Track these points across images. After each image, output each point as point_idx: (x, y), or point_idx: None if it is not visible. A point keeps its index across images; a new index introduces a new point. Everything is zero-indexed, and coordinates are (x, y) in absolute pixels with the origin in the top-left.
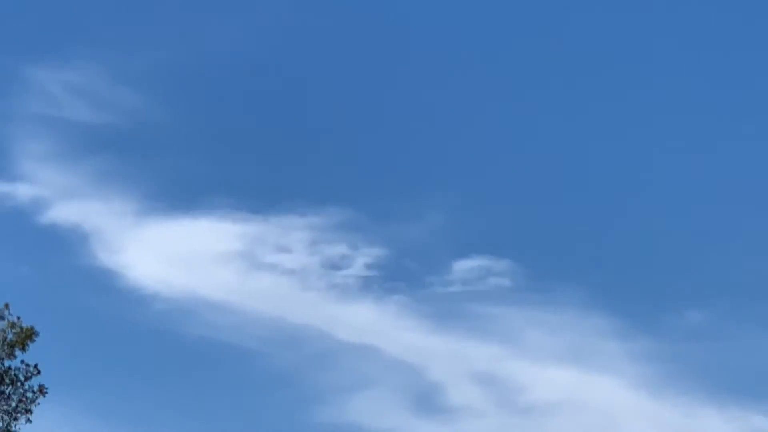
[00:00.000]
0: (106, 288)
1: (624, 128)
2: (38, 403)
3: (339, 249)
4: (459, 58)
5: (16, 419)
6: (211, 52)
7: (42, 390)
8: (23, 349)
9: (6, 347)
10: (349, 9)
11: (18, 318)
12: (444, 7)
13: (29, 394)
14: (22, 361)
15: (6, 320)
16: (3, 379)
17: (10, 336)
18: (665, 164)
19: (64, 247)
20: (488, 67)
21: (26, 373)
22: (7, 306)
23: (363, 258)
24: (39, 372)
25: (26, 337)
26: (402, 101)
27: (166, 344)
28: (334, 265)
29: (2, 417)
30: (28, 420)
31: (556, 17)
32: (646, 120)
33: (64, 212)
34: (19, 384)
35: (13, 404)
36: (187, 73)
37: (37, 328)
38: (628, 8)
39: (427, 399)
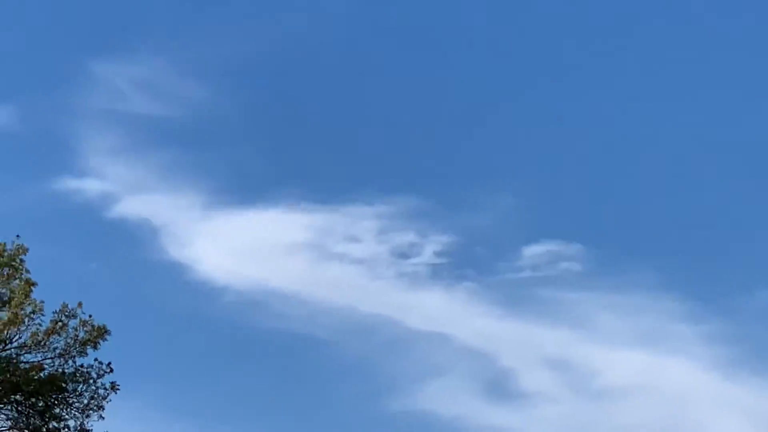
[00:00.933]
0: (175, 282)
1: (688, 111)
2: (110, 400)
3: (408, 237)
4: (524, 40)
5: (88, 416)
6: (275, 43)
7: (114, 387)
8: (95, 347)
9: (78, 345)
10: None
11: (90, 316)
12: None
13: (101, 392)
14: (96, 359)
15: (78, 318)
16: (75, 377)
17: (81, 334)
18: (729, 145)
19: (133, 241)
20: (554, 49)
21: (99, 371)
22: (80, 305)
23: (432, 245)
24: (112, 370)
25: (98, 335)
26: (469, 86)
27: (236, 336)
28: (403, 254)
29: (75, 414)
30: (101, 417)
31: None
32: (713, 103)
33: (133, 207)
34: (91, 381)
35: (85, 401)
36: (252, 65)
37: (107, 324)
38: None
39: (498, 385)
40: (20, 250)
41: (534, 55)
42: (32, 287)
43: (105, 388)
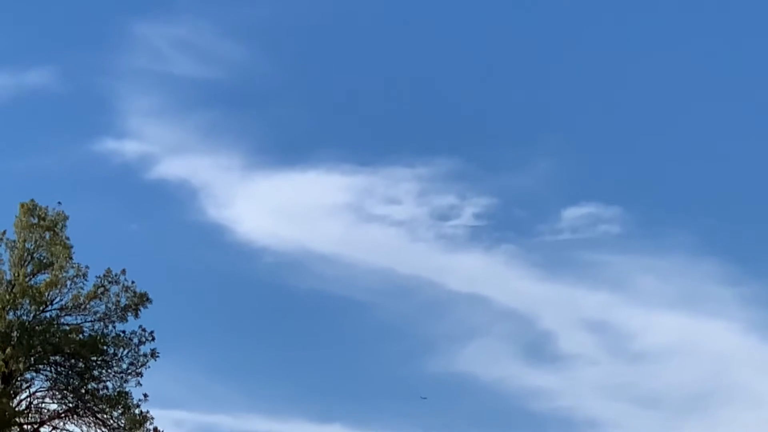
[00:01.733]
0: (215, 243)
1: (731, 78)
2: (149, 367)
3: (447, 199)
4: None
5: (126, 381)
6: (315, 5)
7: (154, 354)
8: (136, 314)
9: (119, 311)
10: None
11: (132, 282)
12: None
13: (141, 358)
14: (140, 326)
15: (121, 284)
16: (117, 341)
17: (123, 300)
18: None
19: (173, 202)
20: (601, 12)
21: (141, 338)
22: (123, 271)
23: (471, 208)
24: (153, 338)
25: (139, 302)
26: (510, 50)
27: (276, 297)
28: (442, 216)
29: (113, 377)
30: (138, 383)
31: None
32: (754, 66)
33: (172, 168)
34: (132, 347)
35: (125, 366)
36: (293, 27)
37: (147, 284)
38: None
39: (537, 347)
40: (60, 217)
41: (577, 17)
42: (71, 252)
43: (145, 355)
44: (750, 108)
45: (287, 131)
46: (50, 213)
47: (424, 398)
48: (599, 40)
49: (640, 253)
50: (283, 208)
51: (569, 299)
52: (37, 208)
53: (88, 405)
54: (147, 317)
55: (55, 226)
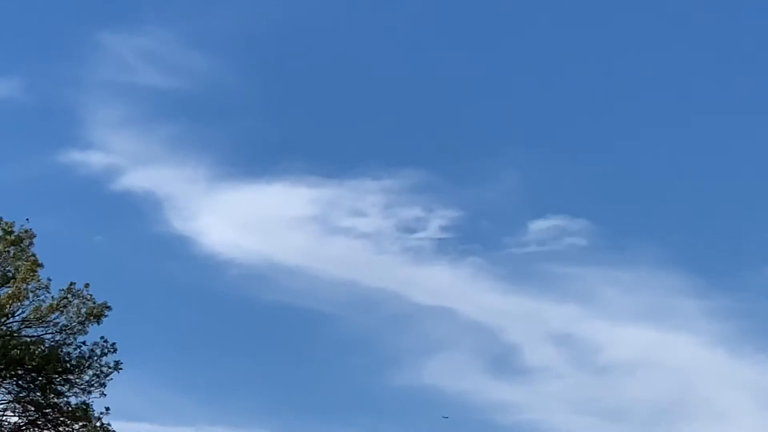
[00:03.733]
0: (180, 255)
1: (702, 84)
2: (111, 378)
3: (413, 212)
4: (533, 15)
5: (89, 393)
6: (281, 14)
7: (117, 366)
8: (98, 323)
9: (79, 322)
10: None
11: (90, 295)
12: None
13: (104, 370)
14: (102, 337)
15: (80, 297)
16: (79, 354)
17: (83, 311)
18: (741, 122)
19: (138, 214)
20: (564, 26)
21: (103, 349)
22: (87, 285)
23: (438, 220)
24: (116, 350)
25: (99, 312)
26: (476, 62)
27: (241, 310)
28: (408, 228)
29: (76, 391)
30: (102, 394)
31: None
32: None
33: (138, 179)
34: (95, 359)
35: (87, 378)
36: (258, 38)
37: (111, 296)
38: None
39: (503, 360)
40: (28, 234)
41: (541, 31)
42: (38, 267)
43: (108, 367)
44: (716, 122)
45: (253, 143)
46: (17, 230)
47: (446, 417)
48: (565, 52)
49: (606, 265)
50: (248, 221)
51: (535, 312)
52: (2, 222)
53: (50, 418)
54: (110, 329)
55: (21, 242)
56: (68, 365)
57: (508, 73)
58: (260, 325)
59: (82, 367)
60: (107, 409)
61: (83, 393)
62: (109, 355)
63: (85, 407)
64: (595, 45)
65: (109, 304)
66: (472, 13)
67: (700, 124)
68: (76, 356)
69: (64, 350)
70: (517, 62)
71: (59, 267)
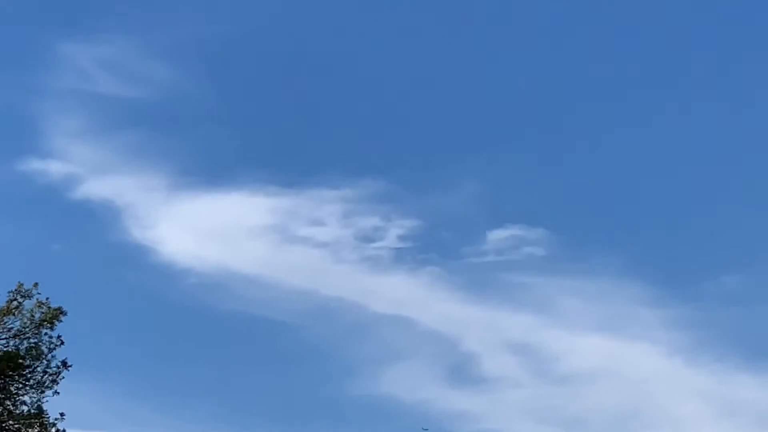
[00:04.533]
0: (138, 263)
1: (659, 95)
2: (63, 377)
3: (372, 221)
4: (491, 23)
5: (42, 392)
6: (240, 24)
7: (65, 364)
8: (51, 328)
9: (34, 326)
10: None
11: (47, 298)
12: None
13: (53, 367)
14: (45, 333)
15: (34, 299)
16: (30, 353)
17: (38, 315)
18: (698, 129)
19: (97, 223)
20: (519, 35)
21: (50, 345)
22: (35, 285)
23: (396, 229)
24: (62, 342)
25: (54, 316)
26: (434, 70)
27: (199, 318)
28: (367, 237)
29: (29, 391)
30: (56, 392)
31: None
32: (682, 86)
33: (97, 188)
34: (43, 357)
35: (39, 377)
36: (217, 46)
37: (69, 305)
38: None
39: (461, 369)
40: None
41: (500, 40)
42: None
43: (57, 365)
44: (673, 132)
45: (212, 152)
46: None
47: (426, 430)
48: (524, 63)
49: (564, 275)
50: (207, 230)
51: (493, 321)
52: None
53: (4, 425)
54: (68, 337)
55: None
56: (22, 365)
57: (466, 83)
58: (218, 333)
59: (33, 367)
60: (62, 415)
61: (37, 393)
62: (57, 349)
63: (39, 412)
64: (553, 56)
65: (64, 309)
66: (432, 22)
67: (658, 134)
68: (29, 354)
69: (18, 351)
70: (476, 72)
71: (17, 275)
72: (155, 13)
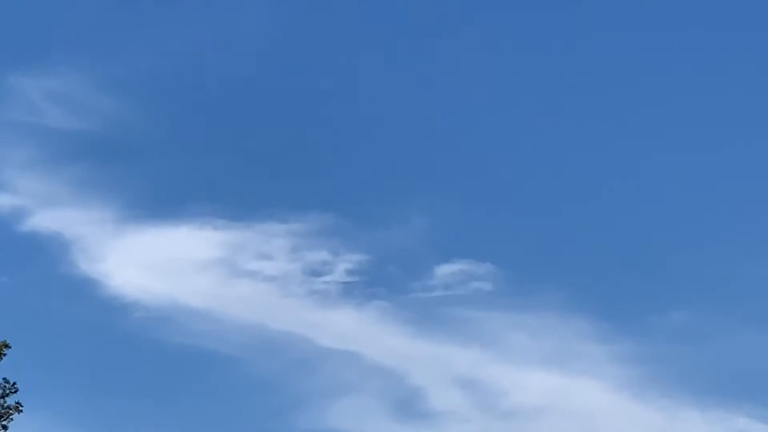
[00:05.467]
0: (86, 296)
1: (605, 132)
2: (12, 419)
3: (320, 255)
4: (442, 63)
5: None
6: (190, 59)
7: (18, 407)
8: None
9: None
10: (332, 14)
11: None
12: (433, 13)
13: (5, 411)
14: (3, 378)
15: None
16: None
17: None
18: (645, 167)
19: (45, 255)
20: (470, 74)
21: (4, 390)
22: None
23: (344, 264)
24: (17, 390)
25: None
26: (383, 106)
27: (146, 352)
28: (315, 272)
29: None
30: (4, 427)
31: (544, 24)
32: (629, 125)
33: (45, 220)
34: None
35: None
36: (167, 80)
37: (15, 337)
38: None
39: (408, 404)
40: None
41: (450, 73)
42: None
43: (9, 408)
44: (618, 166)
45: (161, 185)
46: None
47: None
48: (473, 97)
49: (511, 310)
50: (155, 263)
51: (440, 356)
52: None
53: None
54: (13, 371)
55: None
56: None
57: (415, 118)
58: (166, 367)
59: None
60: None
61: None
62: (10, 396)
63: None
64: (501, 93)
65: (8, 343)
66: (383, 57)
67: (602, 167)
68: None
69: None
70: (422, 108)
71: None
72: (103, 47)
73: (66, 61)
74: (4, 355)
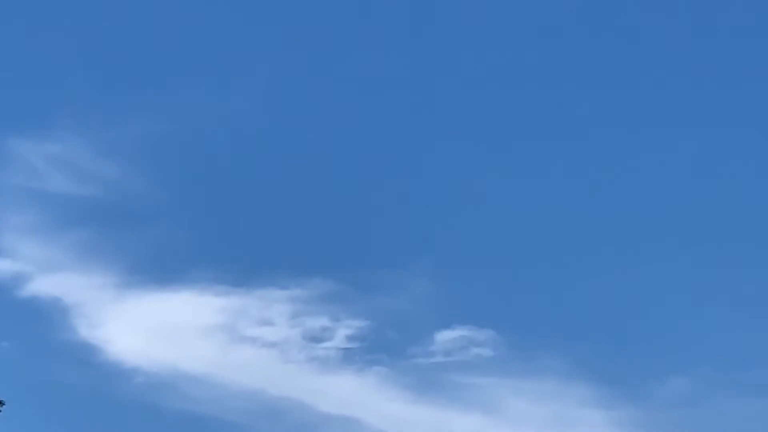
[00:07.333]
0: (85, 363)
1: (602, 193)
2: None
3: (320, 321)
4: (440, 123)
5: None
6: (192, 123)
7: None
8: None
9: None
10: (334, 86)
11: None
12: (429, 71)
13: None
14: None
15: None
16: None
17: None
18: (639, 232)
19: (44, 321)
20: (471, 135)
21: None
22: None
23: (344, 329)
24: None
25: None
26: (382, 170)
27: (146, 418)
28: (315, 338)
29: None
30: None
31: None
32: (624, 186)
33: (45, 286)
34: None
35: None
36: (169, 145)
37: (14, 402)
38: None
39: None
40: None
41: (447, 133)
42: None
43: None
44: (619, 234)
45: (162, 251)
46: None
47: None
48: (471, 164)
49: (512, 376)
50: (155, 328)
51: (440, 422)
52: None
53: None
54: None
55: None
56: None
57: (415, 185)
58: None
59: None
60: None
61: None
62: None
63: None
64: (501, 160)
65: (2, 400)
66: (381, 123)
67: (603, 237)
68: None
69: None
70: (424, 173)
71: None
72: (106, 112)
73: (68, 126)
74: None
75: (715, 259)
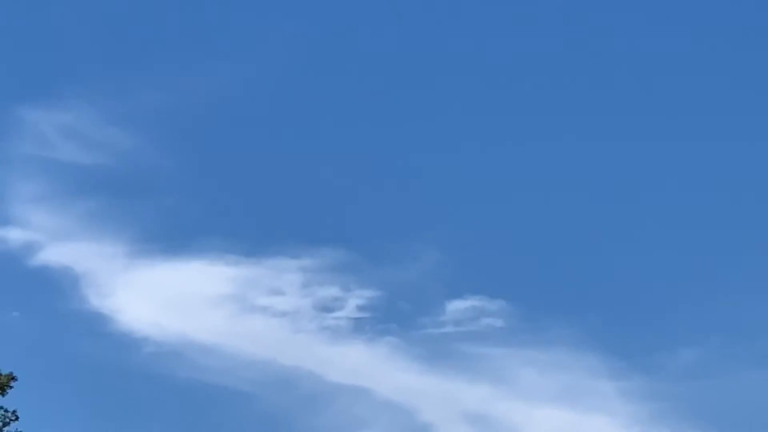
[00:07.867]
0: (96, 332)
1: (616, 165)
2: None
3: (331, 291)
4: (450, 100)
5: None
6: (203, 93)
7: None
8: (2, 394)
9: None
10: (346, 54)
11: None
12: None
13: None
14: (1, 407)
15: None
16: None
17: None
18: (651, 202)
19: (55, 290)
20: (479, 109)
21: (5, 419)
22: None
23: (355, 300)
24: (17, 418)
25: (5, 383)
26: (395, 141)
27: (156, 387)
28: (326, 307)
29: None
30: None
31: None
32: (640, 155)
33: (56, 255)
34: None
35: None
36: (179, 115)
37: (25, 371)
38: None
39: None
40: None
41: (462, 110)
42: None
43: None
44: (634, 204)
45: (173, 220)
46: None
47: None
48: (483, 133)
49: (522, 346)
50: (166, 298)
51: (451, 392)
52: None
53: None
54: (24, 406)
55: None
56: None
57: (425, 155)
58: (176, 402)
59: None
60: None
61: None
62: (11, 424)
63: None
64: (508, 131)
65: (14, 375)
66: (393, 93)
67: (615, 208)
68: None
69: None
70: (434, 143)
71: None
72: (117, 81)
73: (78, 95)
74: (11, 387)
75: (727, 231)
